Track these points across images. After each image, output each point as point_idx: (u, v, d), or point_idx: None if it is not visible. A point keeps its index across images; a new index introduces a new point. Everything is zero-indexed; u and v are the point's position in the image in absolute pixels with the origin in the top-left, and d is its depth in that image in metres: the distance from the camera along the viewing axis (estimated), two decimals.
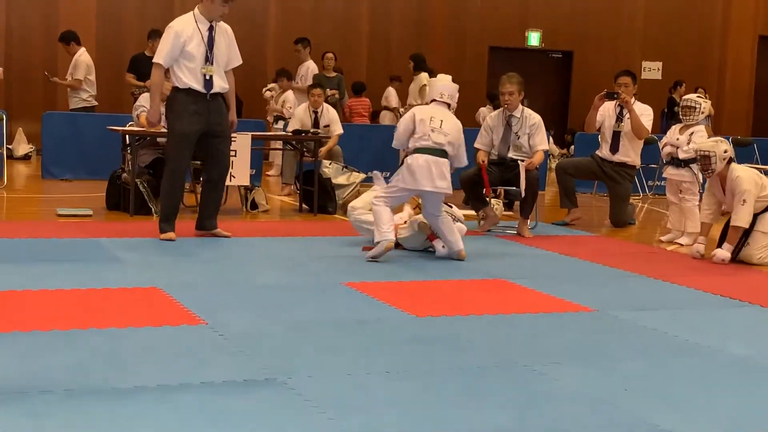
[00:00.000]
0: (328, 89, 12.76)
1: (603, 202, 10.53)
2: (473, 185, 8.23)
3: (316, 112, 10.49)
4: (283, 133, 10.95)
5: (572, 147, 15.70)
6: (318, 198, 9.14)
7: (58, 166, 11.43)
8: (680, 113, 8.35)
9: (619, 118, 9.03)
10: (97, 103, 12.37)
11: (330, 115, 10.60)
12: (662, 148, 8.59)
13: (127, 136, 8.76)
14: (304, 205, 9.38)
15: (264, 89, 13.39)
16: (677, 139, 8.30)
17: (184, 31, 6.90)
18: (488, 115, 8.90)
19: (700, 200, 8.73)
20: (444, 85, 6.88)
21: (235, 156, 8.26)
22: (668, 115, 16.76)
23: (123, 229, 7.58)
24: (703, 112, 8.25)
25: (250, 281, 5.77)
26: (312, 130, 9.92)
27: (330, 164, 9.68)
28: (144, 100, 8.93)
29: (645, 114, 8.98)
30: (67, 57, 12.37)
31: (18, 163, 13.46)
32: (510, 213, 9.46)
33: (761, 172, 7.46)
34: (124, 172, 8.77)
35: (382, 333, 4.57)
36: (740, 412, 3.61)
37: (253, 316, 4.77)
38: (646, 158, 11.04)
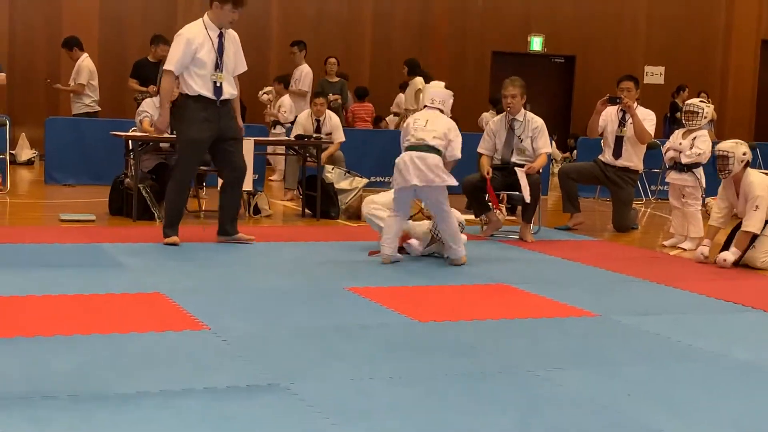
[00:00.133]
0: (330, 94, 12.78)
1: (606, 206, 10.53)
2: (475, 190, 8.22)
3: (318, 120, 10.51)
4: (286, 138, 10.96)
5: (575, 151, 15.71)
6: (321, 203, 9.15)
7: (61, 172, 11.45)
8: (683, 118, 8.35)
9: (622, 123, 9.03)
10: (99, 109, 12.40)
11: (332, 122, 10.62)
12: (665, 153, 8.59)
13: (130, 142, 8.77)
14: (306, 210, 9.38)
15: (260, 92, 13.39)
16: (680, 143, 8.29)
17: (196, 38, 6.91)
18: (491, 120, 8.90)
19: (703, 205, 8.74)
20: (435, 91, 6.91)
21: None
22: (671, 120, 16.76)
23: (126, 234, 7.59)
24: (705, 117, 8.24)
25: (253, 286, 5.77)
26: (315, 135, 9.94)
27: (332, 169, 9.69)
28: (147, 105, 8.94)
29: (648, 119, 8.98)
30: (70, 62, 12.40)
31: (21, 168, 13.47)
32: (512, 218, 9.45)
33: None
34: (127, 177, 8.77)
35: (386, 338, 4.56)
36: (743, 417, 3.61)
37: (256, 321, 4.77)
38: (649, 163, 11.04)
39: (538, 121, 8.25)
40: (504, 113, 8.38)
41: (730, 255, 7.09)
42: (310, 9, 16.85)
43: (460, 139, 6.75)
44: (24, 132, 14.24)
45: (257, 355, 4.14)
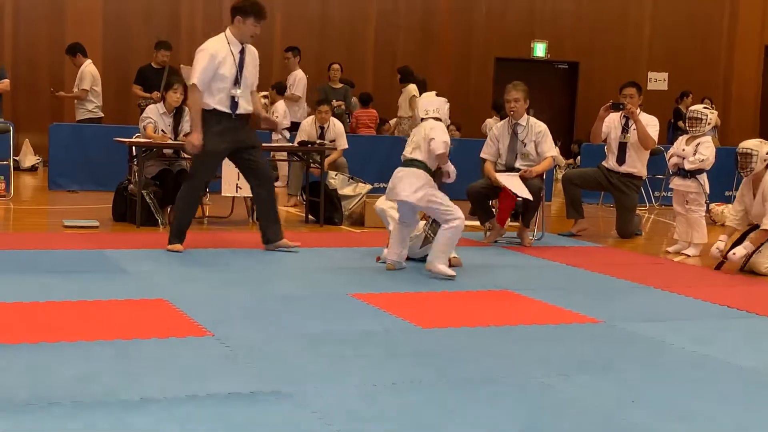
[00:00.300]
0: (334, 100, 12.80)
1: (609, 212, 10.52)
2: (479, 197, 8.22)
3: (322, 128, 10.52)
4: (290, 144, 10.97)
5: (578, 157, 15.70)
6: (324, 209, 9.15)
7: (65, 178, 11.46)
8: (687, 124, 8.34)
9: (625, 130, 9.03)
10: (103, 115, 12.41)
11: (336, 129, 10.64)
12: (668, 159, 8.58)
13: (133, 148, 8.78)
14: (310, 216, 9.38)
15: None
16: (683, 149, 8.29)
17: (219, 53, 6.93)
18: (494, 125, 8.90)
19: (707, 211, 8.74)
20: (427, 101, 6.70)
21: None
22: (675, 126, 16.76)
23: (129, 240, 7.59)
24: (709, 123, 8.24)
25: (257, 293, 5.76)
26: (318, 141, 9.95)
27: (336, 175, 9.70)
28: (150, 111, 8.95)
29: (651, 124, 8.98)
30: (74, 69, 12.43)
31: (25, 174, 13.49)
32: (516, 224, 9.44)
33: None
34: (131, 183, 8.78)
35: (389, 344, 4.56)
36: (747, 424, 3.60)
37: (259, 328, 4.77)
38: (653, 169, 11.03)
39: (541, 126, 8.25)
40: (507, 118, 8.38)
41: (741, 249, 7.13)
42: (313, 15, 16.87)
43: (442, 136, 6.40)
44: (28, 138, 14.26)
45: (261, 361, 4.14)
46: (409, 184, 6.40)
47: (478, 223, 8.61)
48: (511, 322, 5.18)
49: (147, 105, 10.13)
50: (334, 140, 10.51)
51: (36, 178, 13.35)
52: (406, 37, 17.41)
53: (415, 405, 3.63)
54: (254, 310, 5.22)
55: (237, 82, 6.97)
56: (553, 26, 18.38)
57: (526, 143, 8.21)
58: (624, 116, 9.03)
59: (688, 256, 8.11)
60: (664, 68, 19.08)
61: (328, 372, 4.02)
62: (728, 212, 7.61)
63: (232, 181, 8.78)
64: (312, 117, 10.79)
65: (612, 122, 9.11)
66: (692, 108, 8.41)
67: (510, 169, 8.24)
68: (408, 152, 6.52)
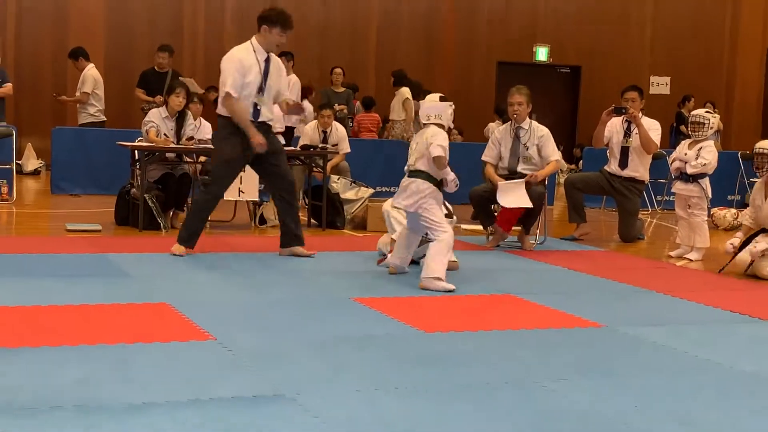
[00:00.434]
0: (336, 104, 12.80)
1: (611, 217, 10.52)
2: (482, 201, 8.23)
3: (325, 132, 10.53)
4: (292, 148, 10.97)
5: (581, 162, 15.71)
6: (327, 213, 9.16)
7: (67, 182, 11.48)
8: (689, 129, 8.34)
9: (627, 134, 9.04)
10: (105, 119, 12.43)
11: (339, 133, 10.64)
12: (671, 164, 8.58)
13: (136, 152, 8.79)
14: (312, 220, 9.39)
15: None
16: (686, 154, 8.29)
17: (247, 60, 6.95)
18: (496, 129, 8.90)
19: (709, 215, 8.73)
20: (429, 106, 6.54)
21: (243, 171, 8.28)
22: (677, 130, 16.76)
23: (132, 244, 7.60)
24: (712, 128, 8.24)
25: (259, 296, 5.77)
26: (321, 145, 9.95)
27: (338, 179, 9.70)
28: (153, 115, 8.96)
29: (653, 128, 8.99)
30: (77, 73, 12.44)
31: (27, 178, 13.51)
32: (519, 228, 9.44)
33: None
34: (133, 187, 8.79)
35: (392, 349, 4.56)
36: (750, 429, 3.59)
37: (262, 332, 4.76)
38: (655, 173, 11.04)
39: (543, 130, 8.26)
40: (510, 122, 8.38)
41: (764, 243, 7.18)
42: (315, 19, 16.88)
43: (442, 142, 6.27)
44: (30, 142, 14.29)
45: (263, 365, 4.14)
46: (410, 193, 6.34)
47: (480, 226, 8.61)
48: (513, 327, 5.17)
49: (150, 109, 10.14)
50: (336, 144, 10.52)
51: (38, 181, 13.37)
52: (408, 42, 17.42)
53: (418, 409, 3.62)
54: (257, 314, 5.22)
55: (261, 90, 6.97)
56: (555, 30, 18.40)
57: (529, 147, 8.21)
58: (626, 120, 9.03)
59: (691, 260, 8.11)
60: (666, 72, 19.09)
61: (330, 376, 4.01)
62: (746, 212, 7.77)
63: (235, 186, 8.77)
64: (315, 121, 10.81)
65: (614, 126, 9.11)
66: (694, 112, 8.41)
67: (512, 172, 8.24)
68: (412, 162, 6.43)
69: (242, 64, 6.92)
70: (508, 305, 5.83)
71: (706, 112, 8.43)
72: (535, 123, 8.31)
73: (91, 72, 12.19)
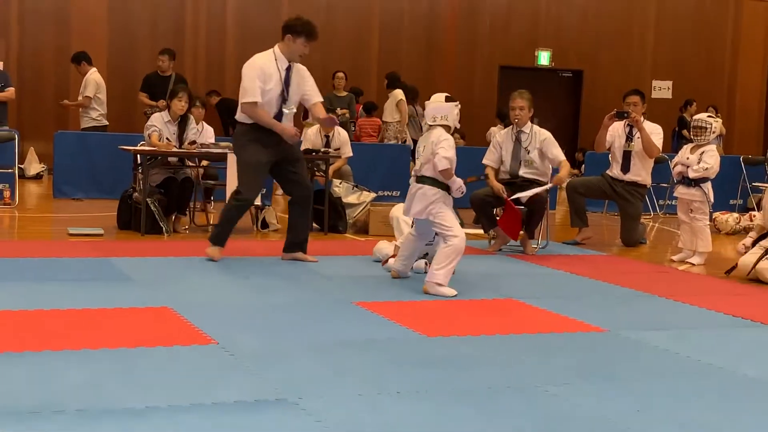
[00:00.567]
0: (338, 109, 12.80)
1: (614, 221, 10.52)
2: (483, 204, 8.22)
3: (327, 136, 10.52)
4: None
5: (583, 166, 15.70)
6: (329, 217, 9.16)
7: (70, 186, 11.48)
8: (691, 133, 8.34)
9: (629, 138, 9.04)
10: (108, 123, 12.43)
11: (341, 137, 10.63)
12: (673, 168, 8.58)
13: (138, 156, 8.80)
14: (314, 225, 9.38)
15: None
16: (688, 158, 8.29)
17: (267, 68, 6.93)
18: (497, 133, 8.90)
19: (711, 220, 8.74)
20: (434, 107, 6.37)
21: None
22: (679, 135, 16.75)
23: (134, 248, 7.60)
24: (714, 132, 8.24)
25: (261, 301, 5.77)
26: (323, 149, 9.95)
27: (340, 183, 9.70)
28: (155, 119, 8.97)
29: (655, 133, 8.99)
30: (79, 77, 12.45)
31: (29, 182, 13.52)
32: (521, 232, 9.44)
33: None
34: (135, 191, 8.80)
35: (393, 353, 4.56)
36: None
37: (263, 336, 4.77)
38: (657, 177, 11.04)
39: (545, 134, 8.26)
40: (511, 126, 8.38)
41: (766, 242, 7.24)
42: (318, 23, 16.83)
43: (447, 153, 6.17)
44: (33, 146, 14.29)
45: (265, 369, 4.14)
46: (418, 200, 6.31)
47: (482, 231, 8.61)
48: (516, 331, 5.17)
49: (152, 113, 10.15)
50: (339, 148, 10.52)
51: (41, 186, 13.37)
52: (410, 46, 17.42)
53: (420, 414, 3.62)
54: (258, 318, 5.22)
55: (284, 99, 6.97)
56: (557, 35, 18.40)
57: (530, 150, 8.21)
58: (628, 125, 9.04)
59: (693, 264, 8.11)
60: (668, 77, 19.09)
61: (332, 380, 4.02)
62: (757, 215, 7.87)
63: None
64: (317, 126, 10.79)
65: (616, 131, 9.12)
66: (697, 117, 8.41)
67: (513, 176, 8.24)
68: (418, 167, 6.39)
69: (263, 71, 6.90)
70: (511, 309, 5.83)
71: (709, 116, 8.43)
72: (536, 127, 8.31)
73: (93, 76, 12.20)
